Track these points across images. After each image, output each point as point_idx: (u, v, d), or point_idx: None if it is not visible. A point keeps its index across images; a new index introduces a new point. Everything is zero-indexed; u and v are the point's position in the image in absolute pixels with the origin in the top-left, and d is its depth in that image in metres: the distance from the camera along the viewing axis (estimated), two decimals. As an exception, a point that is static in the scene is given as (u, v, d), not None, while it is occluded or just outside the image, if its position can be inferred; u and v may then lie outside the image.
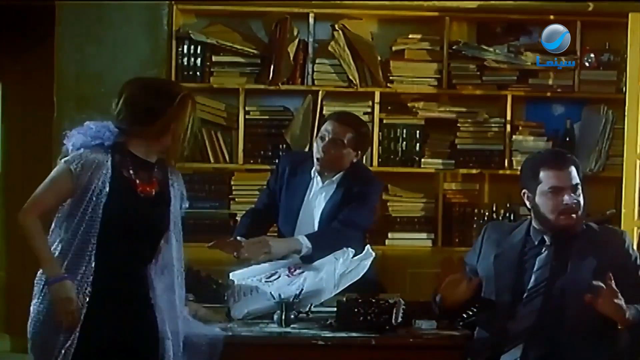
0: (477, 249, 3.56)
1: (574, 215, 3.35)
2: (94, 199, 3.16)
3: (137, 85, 3.27)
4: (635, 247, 3.42)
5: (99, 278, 3.17)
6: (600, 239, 3.38)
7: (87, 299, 3.15)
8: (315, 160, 4.18)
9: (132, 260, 3.27)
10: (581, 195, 3.37)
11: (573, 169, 3.36)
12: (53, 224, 3.25)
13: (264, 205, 4.37)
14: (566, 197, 3.33)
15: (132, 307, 3.25)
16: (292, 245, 4.00)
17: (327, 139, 4.14)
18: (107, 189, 3.17)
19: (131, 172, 3.24)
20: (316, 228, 4.17)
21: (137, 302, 3.27)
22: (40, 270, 3.21)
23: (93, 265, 3.16)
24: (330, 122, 4.21)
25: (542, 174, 3.37)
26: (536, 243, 3.42)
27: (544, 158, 3.46)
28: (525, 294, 3.35)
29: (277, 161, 4.62)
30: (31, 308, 3.22)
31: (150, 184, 3.27)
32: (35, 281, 3.23)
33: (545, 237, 3.41)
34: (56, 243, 3.20)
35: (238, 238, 4.06)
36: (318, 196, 4.22)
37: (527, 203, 3.46)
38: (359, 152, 4.24)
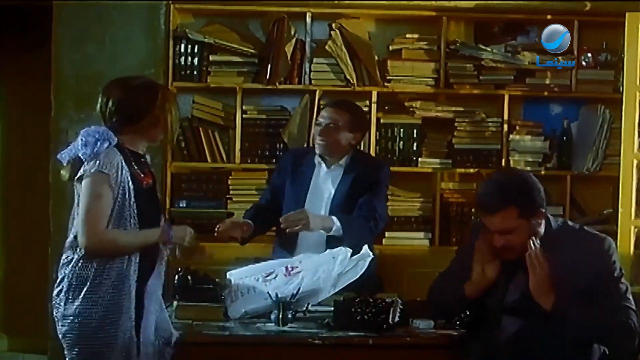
0: (470, 250, 3.45)
1: (509, 253, 3.27)
2: (127, 196, 3.30)
3: (121, 87, 3.42)
4: (632, 248, 3.38)
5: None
6: (575, 247, 3.26)
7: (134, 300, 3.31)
8: (317, 146, 4.36)
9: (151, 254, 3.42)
10: (523, 232, 3.23)
11: (509, 211, 3.21)
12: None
13: (266, 200, 4.50)
14: (496, 239, 3.27)
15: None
16: (325, 222, 4.17)
17: (323, 124, 4.34)
18: (132, 185, 3.33)
19: (135, 166, 3.38)
20: (325, 213, 4.28)
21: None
22: (67, 271, 3.30)
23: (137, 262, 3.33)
24: (327, 109, 4.44)
25: (480, 212, 3.34)
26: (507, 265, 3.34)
27: (479, 197, 3.36)
28: (505, 307, 3.32)
29: (280, 158, 4.72)
30: (69, 312, 3.27)
31: (146, 175, 3.43)
32: (68, 287, 3.29)
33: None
34: None
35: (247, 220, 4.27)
36: (324, 182, 4.36)
37: None
38: (357, 134, 4.42)
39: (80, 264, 3.28)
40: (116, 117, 3.35)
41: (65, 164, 3.35)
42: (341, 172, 4.36)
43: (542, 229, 3.31)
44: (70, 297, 3.28)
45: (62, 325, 3.30)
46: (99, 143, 3.27)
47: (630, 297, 3.27)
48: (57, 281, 3.34)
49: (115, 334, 3.28)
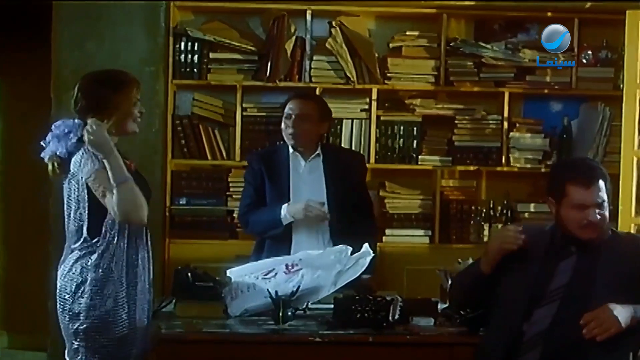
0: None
1: (597, 230, 3.29)
2: None
3: (89, 78, 3.51)
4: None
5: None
6: (627, 248, 3.31)
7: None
8: (289, 138, 4.33)
9: None
10: (607, 209, 3.30)
11: (601, 184, 3.27)
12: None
13: (254, 200, 4.41)
14: (591, 214, 3.26)
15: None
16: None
17: (294, 115, 4.33)
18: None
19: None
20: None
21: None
22: (91, 267, 3.35)
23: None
24: (293, 101, 4.41)
25: (568, 188, 3.28)
26: (561, 248, 3.34)
27: (573, 172, 3.34)
28: (543, 297, 3.28)
29: (249, 160, 4.61)
30: (95, 309, 3.32)
31: (129, 159, 3.47)
32: (91, 285, 3.33)
33: (571, 244, 3.32)
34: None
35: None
36: (308, 174, 4.36)
37: (552, 209, 3.38)
38: (326, 123, 4.49)
39: (103, 260, 3.32)
40: (80, 106, 3.43)
41: (47, 160, 3.44)
42: (320, 161, 4.36)
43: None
44: (95, 293, 3.31)
45: (83, 322, 3.31)
46: (70, 136, 3.38)
47: None
48: (75, 280, 3.34)
49: (135, 321, 3.37)
